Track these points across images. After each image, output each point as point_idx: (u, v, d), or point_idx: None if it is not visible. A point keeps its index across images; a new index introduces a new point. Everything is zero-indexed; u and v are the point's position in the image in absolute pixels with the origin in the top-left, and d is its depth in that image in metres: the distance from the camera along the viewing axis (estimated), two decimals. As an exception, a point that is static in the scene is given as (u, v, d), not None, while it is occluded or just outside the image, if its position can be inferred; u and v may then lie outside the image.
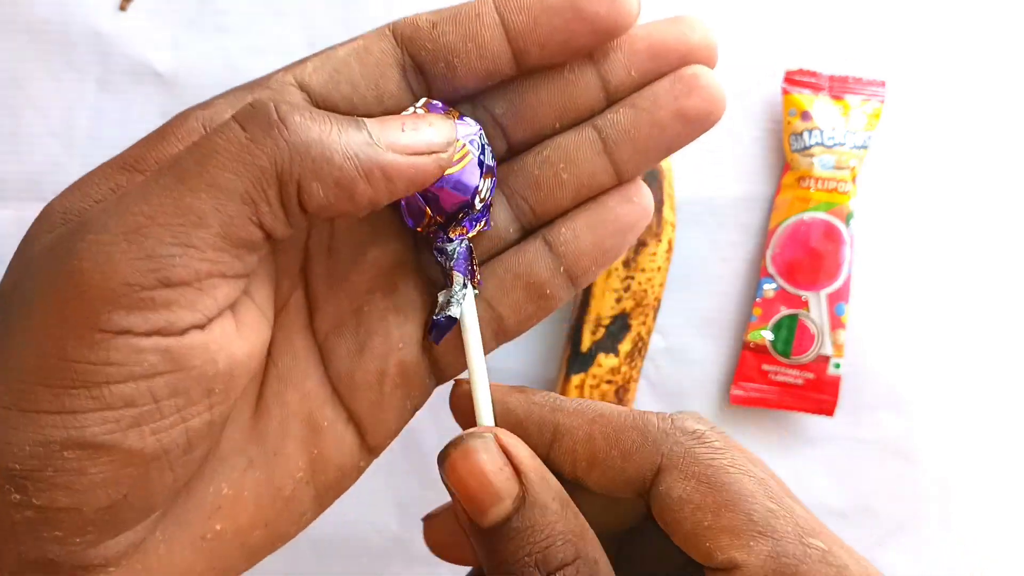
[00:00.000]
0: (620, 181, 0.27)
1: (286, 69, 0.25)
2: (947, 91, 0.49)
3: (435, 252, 0.25)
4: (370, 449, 0.27)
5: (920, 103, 0.48)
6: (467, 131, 0.25)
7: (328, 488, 0.26)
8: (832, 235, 0.47)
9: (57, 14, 0.46)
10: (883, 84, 0.47)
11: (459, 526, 0.24)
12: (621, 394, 0.46)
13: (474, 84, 0.25)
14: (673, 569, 0.25)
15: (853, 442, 0.48)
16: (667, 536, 0.24)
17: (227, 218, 0.21)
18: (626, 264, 0.45)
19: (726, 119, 0.49)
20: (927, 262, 0.48)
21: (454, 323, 0.25)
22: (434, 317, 0.26)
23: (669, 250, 0.46)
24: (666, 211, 0.45)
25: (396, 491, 0.48)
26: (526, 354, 0.48)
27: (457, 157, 0.24)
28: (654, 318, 0.46)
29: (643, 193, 0.27)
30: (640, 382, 0.47)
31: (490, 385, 0.26)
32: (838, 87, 0.47)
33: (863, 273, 0.48)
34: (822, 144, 0.47)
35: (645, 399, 0.48)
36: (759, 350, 0.47)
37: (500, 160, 0.27)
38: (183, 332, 0.21)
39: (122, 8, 0.47)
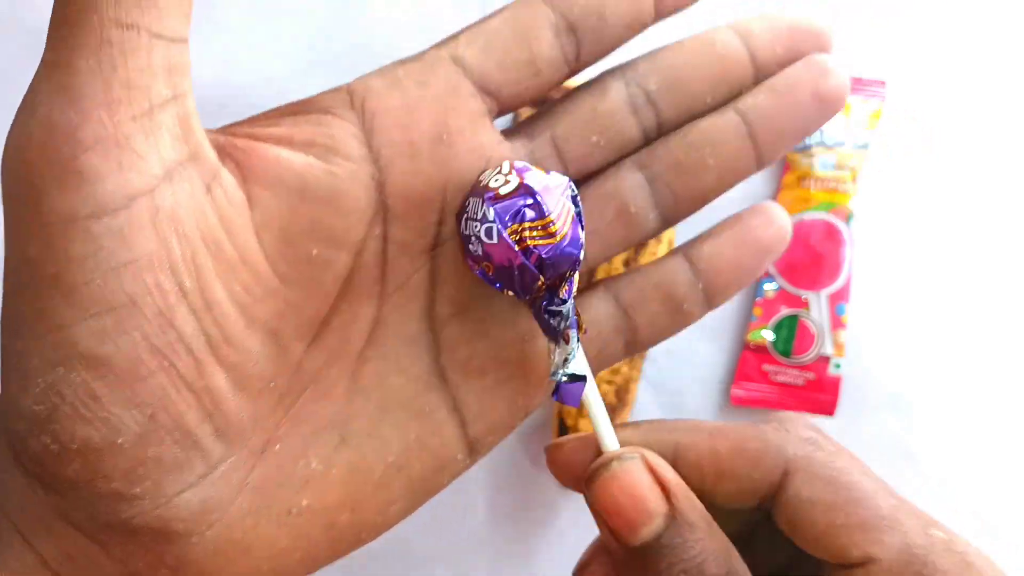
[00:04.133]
0: (760, 166, 0.27)
1: (437, 46, 0.25)
2: (947, 91, 0.49)
3: (546, 315, 0.24)
4: (471, 444, 0.26)
5: (920, 103, 0.48)
6: (559, 183, 0.24)
7: (422, 479, 0.26)
8: (832, 235, 0.47)
9: (57, 14, 0.46)
10: (883, 84, 0.47)
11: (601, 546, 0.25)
12: (621, 394, 0.46)
13: (623, 35, 0.26)
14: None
15: (853, 442, 0.48)
16: (771, 544, 0.25)
17: None
18: (626, 264, 0.45)
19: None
20: (927, 262, 0.48)
21: (583, 380, 0.24)
22: (560, 381, 0.24)
23: (670, 250, 0.46)
24: (666, 211, 0.45)
25: (396, 491, 0.48)
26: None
27: (562, 221, 0.23)
28: (654, 318, 0.46)
29: (783, 215, 0.28)
30: (640, 382, 0.47)
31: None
32: (838, 87, 0.47)
33: (863, 273, 0.48)
34: (822, 144, 0.47)
35: (645, 399, 0.48)
36: (759, 350, 0.47)
37: (647, 142, 0.27)
38: (129, 204, 0.20)
39: (122, 8, 0.47)
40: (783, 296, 0.47)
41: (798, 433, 0.25)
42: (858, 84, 0.47)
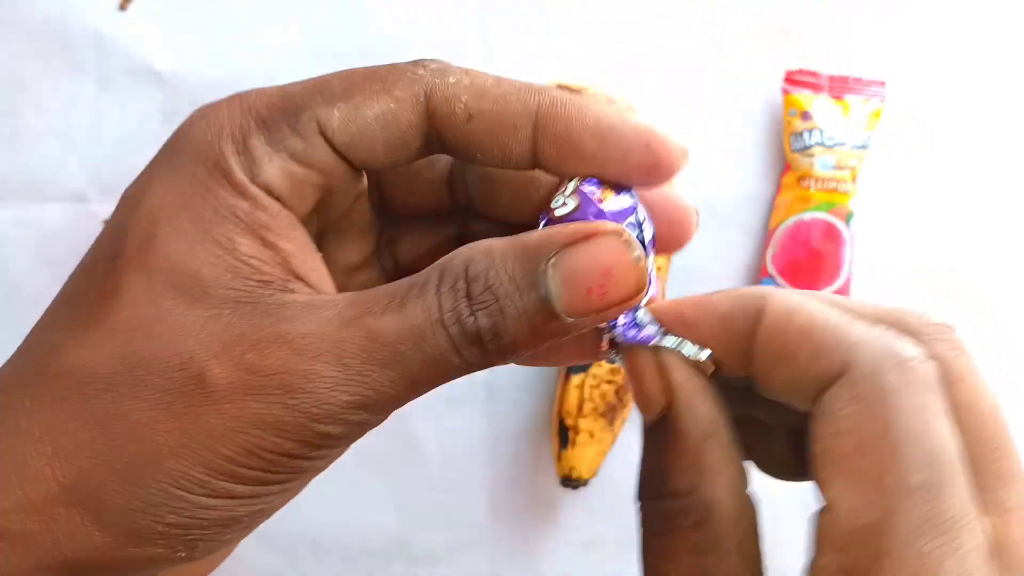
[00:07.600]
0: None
1: (313, 100, 0.23)
2: (947, 91, 0.49)
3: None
4: None
5: (920, 103, 0.48)
6: (624, 204, 0.23)
7: None
8: (832, 235, 0.47)
9: (57, 14, 0.46)
10: (883, 84, 0.47)
11: None
12: (621, 394, 0.46)
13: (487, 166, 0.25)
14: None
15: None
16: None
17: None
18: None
19: (727, 119, 0.49)
20: (927, 262, 0.48)
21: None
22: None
23: (669, 250, 0.46)
24: (666, 211, 0.45)
25: (396, 491, 0.48)
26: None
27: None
28: (654, 318, 0.46)
29: None
30: (640, 382, 0.47)
31: (688, 297, 0.24)
32: (838, 87, 0.47)
33: (863, 273, 0.48)
34: (822, 144, 0.47)
35: (645, 399, 0.48)
36: (759, 350, 0.47)
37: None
38: None
39: (122, 8, 0.47)
40: (783, 296, 0.47)
41: (893, 348, 0.21)
42: (858, 84, 0.47)
